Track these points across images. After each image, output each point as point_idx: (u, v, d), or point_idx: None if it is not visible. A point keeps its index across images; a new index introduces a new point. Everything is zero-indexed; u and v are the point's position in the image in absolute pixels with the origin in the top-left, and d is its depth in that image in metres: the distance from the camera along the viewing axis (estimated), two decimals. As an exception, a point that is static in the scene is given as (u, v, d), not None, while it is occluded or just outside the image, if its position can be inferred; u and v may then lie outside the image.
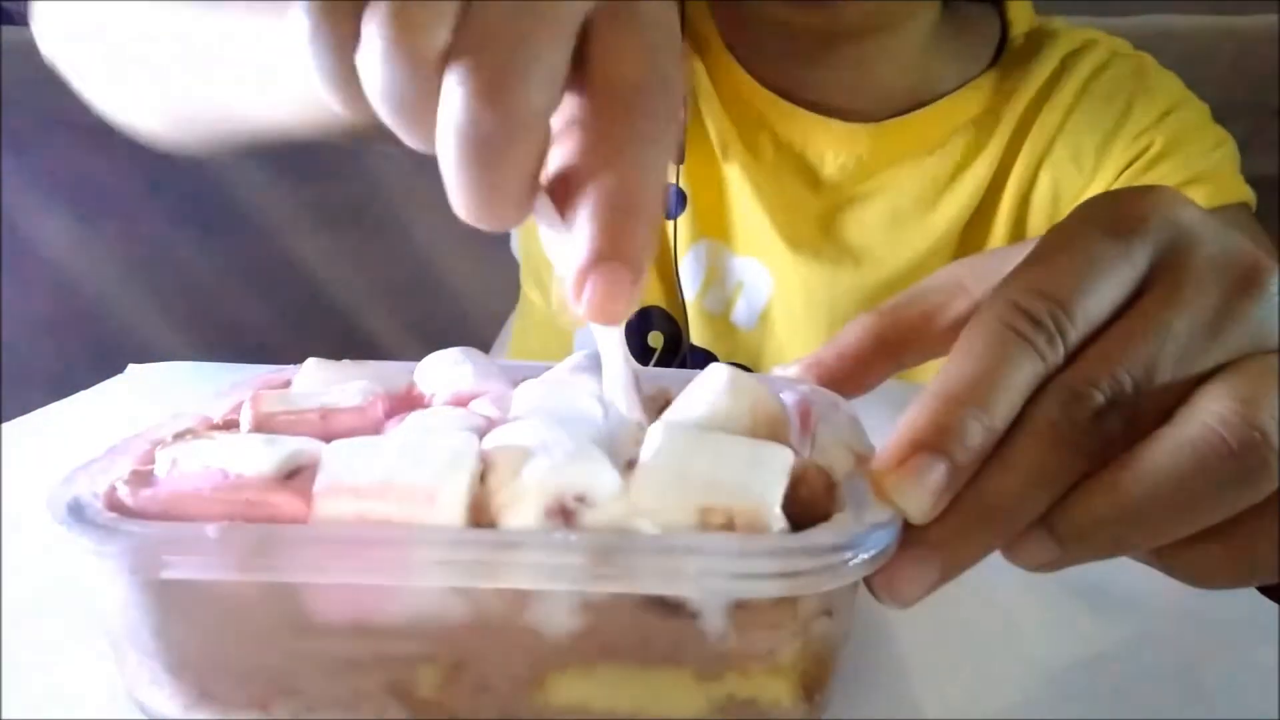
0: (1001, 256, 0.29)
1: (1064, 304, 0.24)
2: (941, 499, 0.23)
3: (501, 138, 0.22)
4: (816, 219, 0.67)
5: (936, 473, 0.23)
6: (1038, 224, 0.66)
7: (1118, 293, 0.24)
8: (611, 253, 0.23)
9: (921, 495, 0.23)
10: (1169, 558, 0.25)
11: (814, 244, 0.67)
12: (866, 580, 0.24)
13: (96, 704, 0.27)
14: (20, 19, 1.42)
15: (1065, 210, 0.65)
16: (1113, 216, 0.25)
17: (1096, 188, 0.65)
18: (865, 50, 0.62)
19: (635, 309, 0.25)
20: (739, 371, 0.29)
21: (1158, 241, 0.24)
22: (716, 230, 0.69)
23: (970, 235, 0.67)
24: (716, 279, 0.70)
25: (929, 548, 0.23)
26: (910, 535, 0.24)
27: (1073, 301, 0.24)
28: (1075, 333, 0.24)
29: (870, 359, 0.31)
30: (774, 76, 0.66)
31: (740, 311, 0.70)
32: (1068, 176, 0.65)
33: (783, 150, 0.66)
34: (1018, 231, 0.66)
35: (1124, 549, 0.24)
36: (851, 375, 0.31)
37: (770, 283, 0.69)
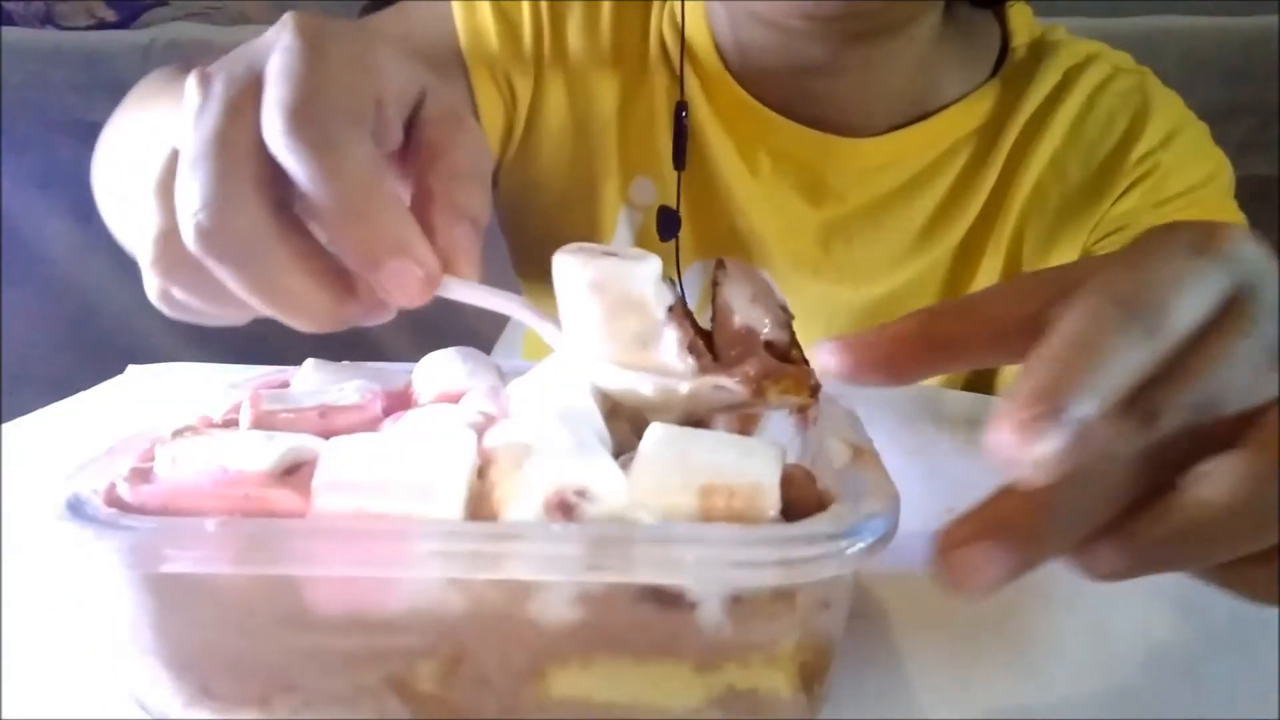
0: (1071, 270, 0.30)
1: (1158, 312, 0.24)
2: (1062, 461, 0.23)
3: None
4: (816, 234, 0.66)
5: (1058, 433, 0.22)
6: (1036, 242, 0.65)
7: (1200, 312, 0.25)
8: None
9: (1042, 452, 0.23)
10: (1231, 574, 0.26)
11: (813, 260, 0.66)
12: (935, 572, 0.24)
13: (96, 704, 0.27)
14: (20, 19, 1.42)
15: (1069, 228, 0.64)
16: (1197, 243, 0.26)
17: (1100, 208, 0.64)
18: (869, 57, 0.61)
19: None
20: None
21: (1233, 273, 0.25)
22: (714, 250, 0.68)
23: (968, 252, 0.66)
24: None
25: (998, 543, 0.24)
26: (981, 528, 0.24)
27: (1165, 312, 0.24)
28: (1165, 344, 0.24)
29: (914, 350, 0.31)
30: (774, 92, 0.64)
31: None
32: (1070, 194, 0.64)
33: (781, 166, 0.65)
34: (1014, 249, 0.65)
35: (1189, 564, 0.25)
36: (892, 360, 0.31)
37: None
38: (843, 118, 0.64)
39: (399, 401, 0.33)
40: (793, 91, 0.64)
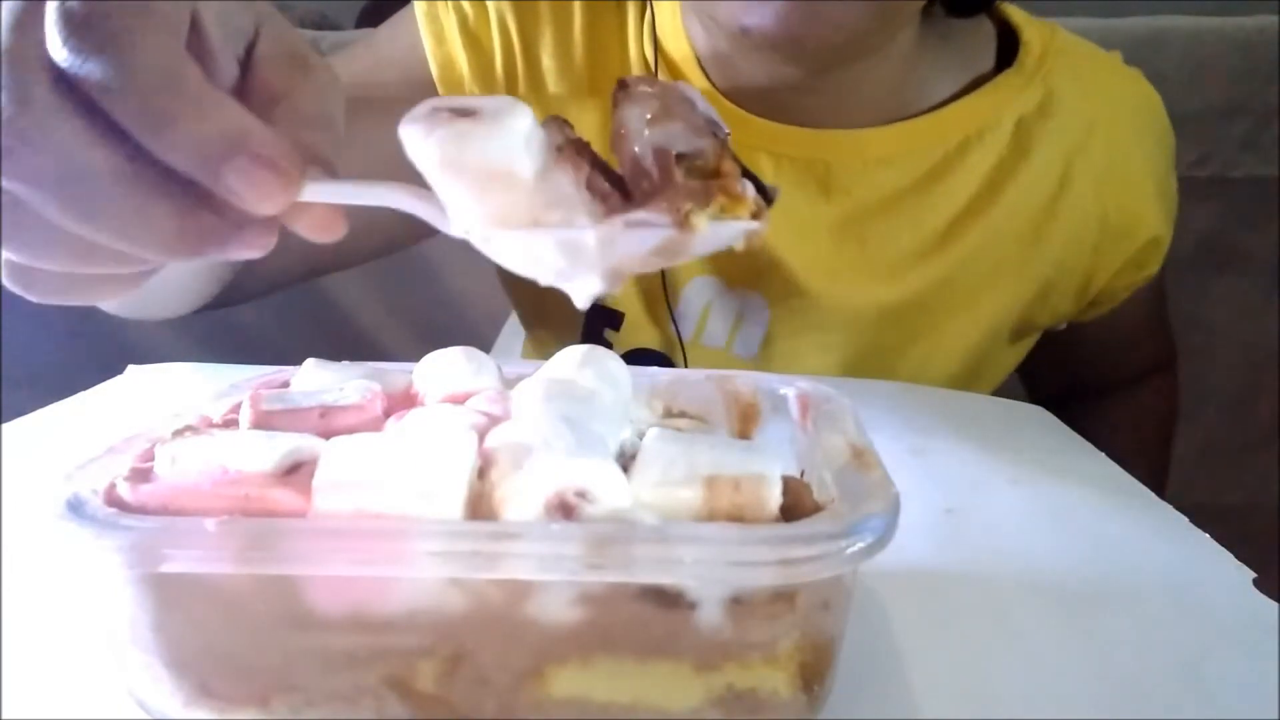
0: None
1: None
2: None
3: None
4: (828, 232, 0.65)
5: None
6: (1082, 248, 0.66)
7: None
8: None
9: None
10: None
11: (827, 262, 0.65)
12: None
13: (96, 704, 0.27)
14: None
15: (1107, 256, 0.66)
16: None
17: (1132, 244, 0.67)
18: (850, 73, 0.60)
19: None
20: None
21: None
22: (717, 264, 0.67)
23: (994, 262, 0.66)
24: (713, 315, 0.68)
25: None
26: None
27: None
28: None
29: None
30: (757, 103, 0.64)
31: (739, 344, 0.68)
32: (1108, 225, 0.66)
33: (782, 165, 0.64)
34: (1051, 272, 0.66)
35: None
36: None
37: (767, 312, 0.67)
38: (828, 124, 0.63)
39: (400, 401, 0.33)
40: (775, 102, 0.63)
